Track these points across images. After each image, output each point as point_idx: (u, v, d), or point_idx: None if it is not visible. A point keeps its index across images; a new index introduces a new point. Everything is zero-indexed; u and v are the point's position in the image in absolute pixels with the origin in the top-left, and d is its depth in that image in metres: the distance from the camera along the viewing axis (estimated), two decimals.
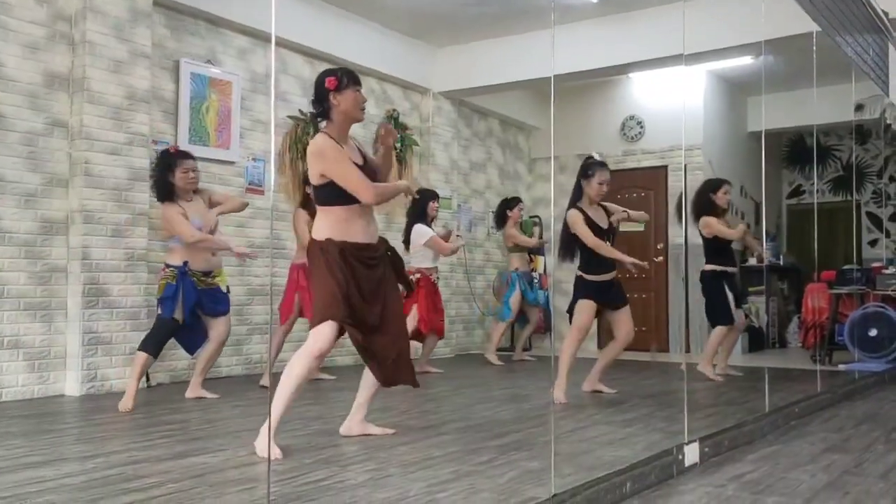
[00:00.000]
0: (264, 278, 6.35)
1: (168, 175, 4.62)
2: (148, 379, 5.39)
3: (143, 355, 4.50)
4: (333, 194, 3.33)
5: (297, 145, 6.58)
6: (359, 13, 7.10)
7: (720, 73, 8.88)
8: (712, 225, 5.86)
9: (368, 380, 3.59)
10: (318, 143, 3.34)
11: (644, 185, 9.03)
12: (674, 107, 8.46)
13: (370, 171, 3.45)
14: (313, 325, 3.29)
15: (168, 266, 4.61)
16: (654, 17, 6.73)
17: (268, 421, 3.08)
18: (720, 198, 5.94)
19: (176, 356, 5.70)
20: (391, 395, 5.06)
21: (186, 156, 4.73)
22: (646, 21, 6.84)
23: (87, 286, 5.09)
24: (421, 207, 6.19)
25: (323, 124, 3.48)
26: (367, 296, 3.36)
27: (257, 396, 4.95)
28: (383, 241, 3.56)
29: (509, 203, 7.45)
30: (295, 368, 3.23)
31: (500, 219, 7.45)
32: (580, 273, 4.93)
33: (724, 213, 6.00)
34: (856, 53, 5.82)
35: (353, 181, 3.28)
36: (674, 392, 5.16)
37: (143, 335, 5.29)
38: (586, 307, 4.87)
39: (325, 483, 2.72)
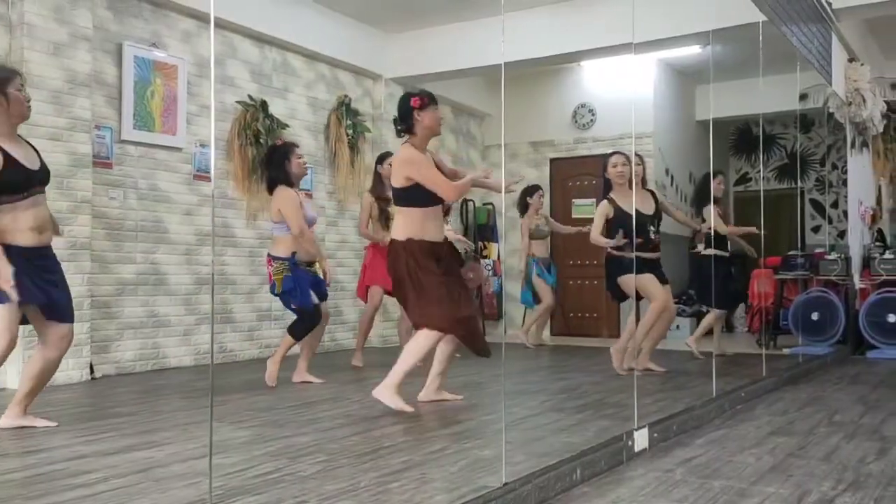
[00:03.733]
0: (211, 267, 6.24)
1: (286, 164, 4.82)
2: (92, 371, 5.26)
3: (290, 339, 4.84)
4: (415, 197, 3.90)
5: (245, 131, 6.46)
6: None
7: (670, 62, 8.98)
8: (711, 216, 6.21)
9: (443, 353, 4.11)
10: (409, 153, 3.94)
11: (596, 172, 9.01)
12: (624, 95, 8.51)
13: (446, 175, 4.01)
14: (425, 326, 3.88)
15: (276, 258, 4.76)
16: (604, 6, 6.76)
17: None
18: (716, 188, 6.19)
19: (121, 348, 5.59)
20: (344, 385, 5.02)
21: (297, 145, 5.11)
22: (596, 9, 6.88)
23: None
24: None
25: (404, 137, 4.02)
26: (450, 283, 3.91)
27: (205, 387, 4.87)
28: (447, 241, 4.14)
29: (529, 191, 7.54)
30: (420, 345, 3.91)
31: (523, 207, 7.54)
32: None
33: (718, 202, 6.29)
34: (801, 43, 5.93)
35: (440, 183, 3.88)
36: (624, 378, 5.22)
37: (87, 325, 5.19)
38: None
39: (274, 476, 2.68)
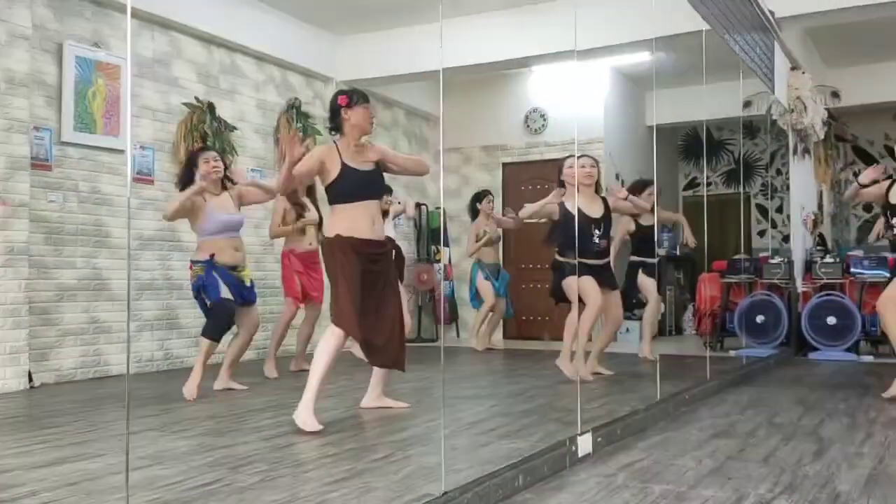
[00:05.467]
0: (153, 272, 6.11)
1: (193, 171, 4.75)
2: (31, 379, 5.10)
3: (206, 342, 4.59)
4: (335, 194, 3.75)
5: (192, 133, 6.35)
6: None
7: (621, 69, 9.08)
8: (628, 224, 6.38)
9: None
10: (312, 151, 3.88)
11: (547, 176, 9.10)
12: (576, 100, 8.60)
13: (377, 176, 3.87)
14: (335, 322, 3.67)
15: (196, 262, 4.71)
16: (550, 13, 6.83)
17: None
18: (647, 199, 6.12)
19: (61, 355, 5.44)
20: (291, 392, 4.95)
21: (210, 149, 5.23)
22: (542, 16, 6.94)
23: None
24: None
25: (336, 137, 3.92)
26: (367, 286, 3.69)
27: (148, 396, 4.76)
28: (390, 240, 3.99)
29: (479, 196, 7.69)
30: (322, 353, 3.65)
31: (473, 212, 7.65)
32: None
33: (650, 211, 6.17)
34: (743, 51, 6.04)
35: (284, 170, 3.77)
36: (571, 382, 5.25)
37: (25, 332, 5.05)
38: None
39: (213, 487, 2.63)
